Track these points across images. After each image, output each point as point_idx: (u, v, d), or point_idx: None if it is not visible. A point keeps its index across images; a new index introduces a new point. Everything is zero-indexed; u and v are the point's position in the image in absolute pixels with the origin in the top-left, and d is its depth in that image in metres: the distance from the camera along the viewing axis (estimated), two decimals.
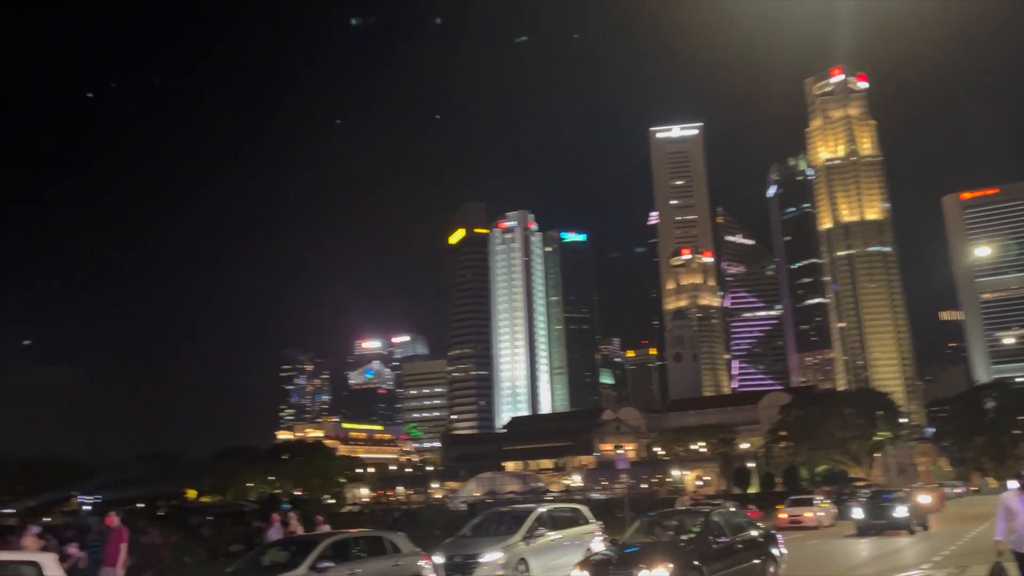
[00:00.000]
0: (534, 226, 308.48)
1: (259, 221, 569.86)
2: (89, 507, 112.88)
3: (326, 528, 23.74)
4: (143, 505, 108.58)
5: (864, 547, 28.95)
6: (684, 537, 15.98)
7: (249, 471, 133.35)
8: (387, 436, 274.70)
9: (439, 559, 18.58)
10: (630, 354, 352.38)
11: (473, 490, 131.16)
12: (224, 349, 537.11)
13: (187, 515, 66.08)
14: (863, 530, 32.81)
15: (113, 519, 19.28)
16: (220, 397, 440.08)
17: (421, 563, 17.21)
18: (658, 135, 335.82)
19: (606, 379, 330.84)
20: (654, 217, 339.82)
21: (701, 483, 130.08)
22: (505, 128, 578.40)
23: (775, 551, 17.33)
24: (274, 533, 21.65)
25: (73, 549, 20.01)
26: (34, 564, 10.92)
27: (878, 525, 32.71)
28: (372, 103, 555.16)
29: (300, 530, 22.25)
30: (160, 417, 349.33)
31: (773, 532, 18.72)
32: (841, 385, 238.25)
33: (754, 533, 17.37)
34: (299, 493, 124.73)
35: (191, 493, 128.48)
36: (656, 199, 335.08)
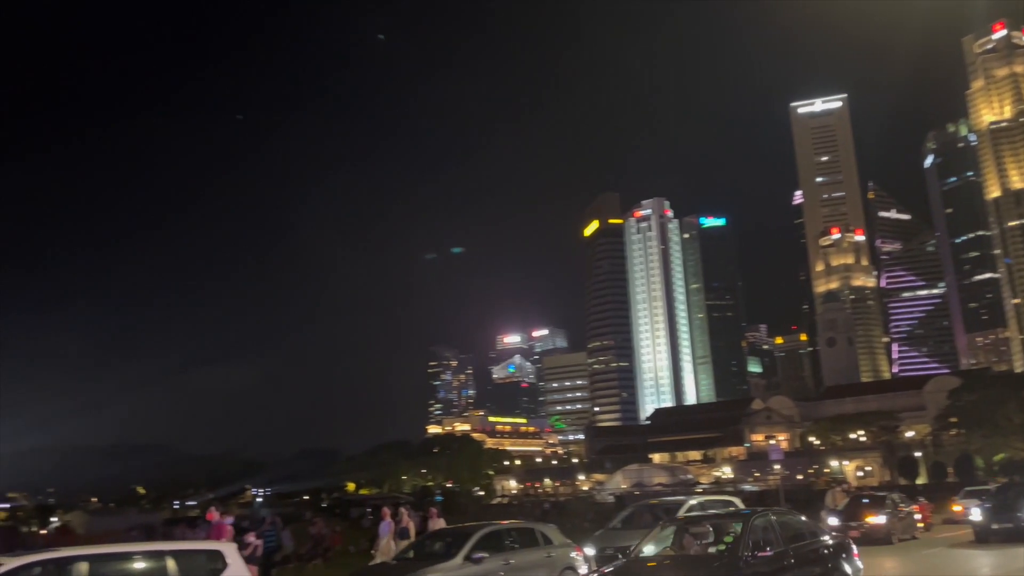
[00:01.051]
0: (670, 213, 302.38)
1: (406, 223, 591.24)
2: (261, 499, 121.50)
3: (440, 522, 24.10)
4: (308, 497, 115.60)
5: (982, 560, 22.09)
6: (712, 549, 12.75)
7: (403, 464, 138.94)
8: (531, 429, 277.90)
9: (590, 551, 18.58)
10: (779, 340, 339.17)
11: (620, 482, 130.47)
12: (377, 349, 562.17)
13: (348, 507, 69.60)
14: (982, 536, 24.96)
15: (213, 514, 20.48)
16: (375, 394, 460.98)
17: (573, 555, 17.27)
18: (799, 110, 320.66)
19: (754, 367, 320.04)
20: (799, 196, 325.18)
21: (862, 474, 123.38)
22: (638, 115, 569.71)
23: (847, 567, 14.05)
24: (385, 528, 21.98)
25: (250, 538, 21.55)
26: (217, 552, 11.88)
27: (1002, 531, 24.24)
28: (509, 100, 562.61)
29: (412, 525, 22.52)
30: (322, 414, 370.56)
31: (847, 540, 15.01)
32: (1019, 366, 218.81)
33: (825, 541, 14.25)
34: (450, 485, 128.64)
35: (350, 486, 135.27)
36: (800, 177, 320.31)
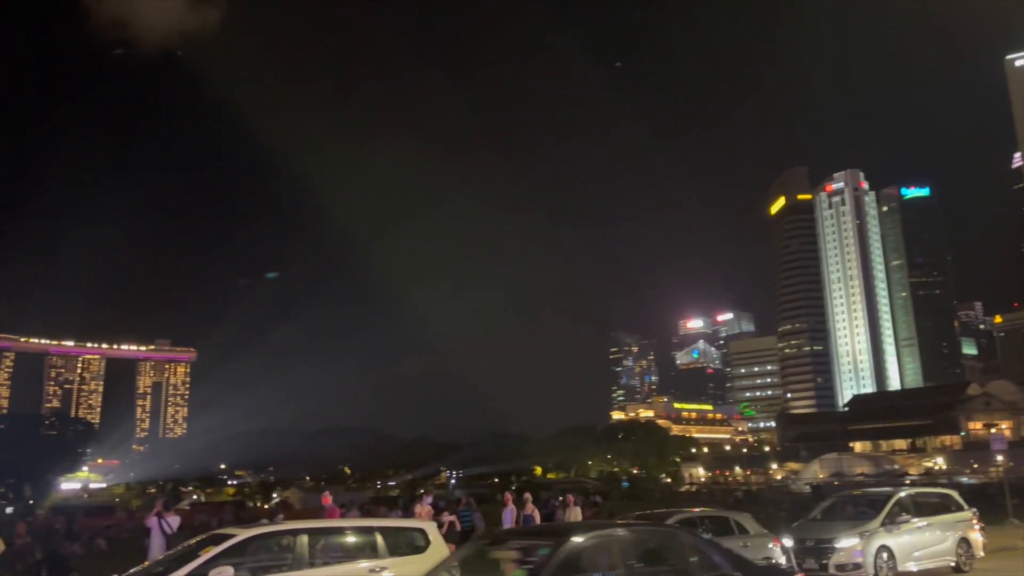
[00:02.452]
0: (865, 185, 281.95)
1: (588, 209, 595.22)
2: (454, 480, 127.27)
3: (576, 510, 23.34)
4: (497, 480, 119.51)
5: None
6: None
7: (588, 450, 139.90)
8: (719, 416, 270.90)
9: (788, 542, 17.86)
10: (998, 319, 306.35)
11: (817, 471, 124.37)
12: (561, 335, 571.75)
13: (536, 490, 71.08)
14: None
15: (327, 498, 21.48)
16: (559, 380, 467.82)
17: (771, 545, 16.69)
18: (1017, 63, 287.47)
19: (968, 349, 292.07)
20: (1018, 159, 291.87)
21: None
22: (825, 80, 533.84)
23: None
24: (507, 516, 21.65)
25: (445, 516, 22.66)
26: (420, 531, 12.61)
27: None
28: (690, 74, 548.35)
29: (536, 513, 21.91)
30: (511, 399, 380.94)
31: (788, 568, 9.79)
32: None
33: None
34: (636, 471, 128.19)
35: (537, 470, 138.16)
36: (1019, 138, 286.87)
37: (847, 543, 17.32)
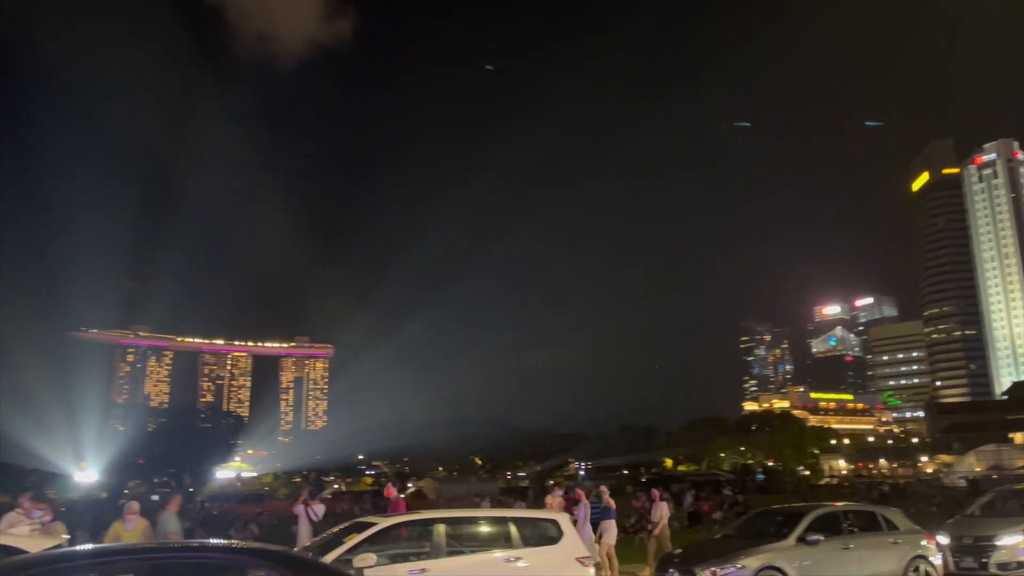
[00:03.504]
0: (1021, 155, 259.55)
1: (719, 194, 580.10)
2: (583, 472, 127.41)
3: (663, 506, 22.21)
4: (627, 472, 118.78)
5: None
6: None
7: (720, 441, 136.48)
8: (860, 405, 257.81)
9: (943, 539, 16.80)
10: None
11: (972, 464, 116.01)
12: (690, 324, 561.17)
13: (667, 482, 70.08)
14: None
15: (391, 490, 21.43)
16: (688, 371, 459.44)
17: (923, 542, 15.75)
18: None
19: None
20: None
21: None
22: (969, 42, 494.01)
23: None
24: (582, 511, 21.07)
25: (577, 512, 22.66)
26: (553, 521, 12.70)
27: None
28: (824, 56, 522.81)
29: (612, 506, 21.17)
30: (639, 390, 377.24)
31: None
32: None
33: None
34: (771, 464, 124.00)
35: (668, 462, 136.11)
36: None
37: (1010, 540, 16.17)
